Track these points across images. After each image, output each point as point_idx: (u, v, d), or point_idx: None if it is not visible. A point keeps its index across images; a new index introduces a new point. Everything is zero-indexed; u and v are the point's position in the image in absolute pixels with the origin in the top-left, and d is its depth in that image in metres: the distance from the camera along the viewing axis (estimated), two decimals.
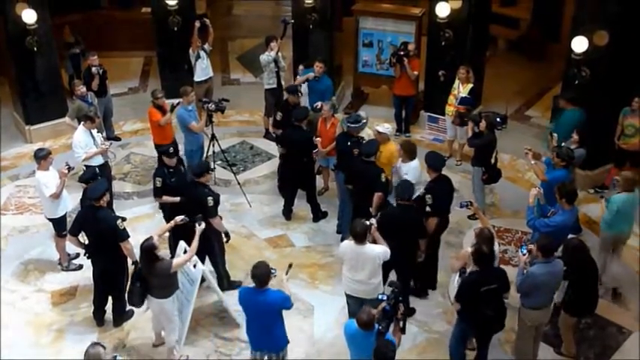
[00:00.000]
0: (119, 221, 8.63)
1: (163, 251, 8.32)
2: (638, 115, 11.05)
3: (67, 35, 14.16)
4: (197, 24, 13.13)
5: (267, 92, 12.93)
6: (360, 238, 7.96)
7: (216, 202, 9.16)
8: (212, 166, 11.35)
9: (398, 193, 8.79)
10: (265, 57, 12.77)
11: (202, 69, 13.24)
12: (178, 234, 9.01)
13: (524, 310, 8.07)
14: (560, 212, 8.76)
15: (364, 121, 10.40)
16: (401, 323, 7.25)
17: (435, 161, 9.22)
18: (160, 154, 10.00)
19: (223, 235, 9.40)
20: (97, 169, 10.25)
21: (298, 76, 12.57)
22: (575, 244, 8.19)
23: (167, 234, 9.25)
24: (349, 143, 10.13)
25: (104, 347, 6.80)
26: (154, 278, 8.03)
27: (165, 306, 8.22)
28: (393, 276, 8.69)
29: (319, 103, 11.57)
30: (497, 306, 7.71)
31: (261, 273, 7.39)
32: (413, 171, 9.65)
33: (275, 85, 12.89)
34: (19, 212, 11.46)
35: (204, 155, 11.52)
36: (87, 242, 8.92)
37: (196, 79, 13.31)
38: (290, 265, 7.86)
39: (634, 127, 11.10)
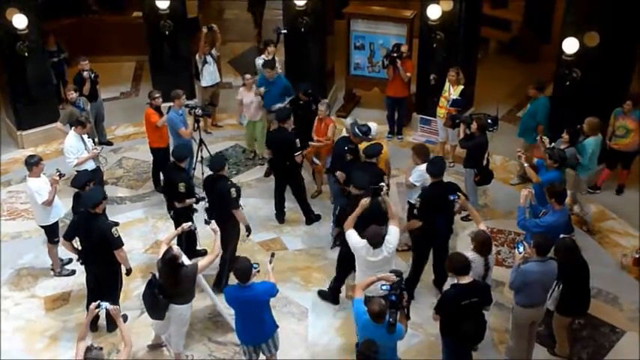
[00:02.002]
0: (114, 229, 8.59)
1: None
2: (629, 116, 11.11)
3: (51, 43, 14.08)
4: (204, 29, 13.23)
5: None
6: (377, 244, 7.92)
7: (239, 193, 9.22)
8: (202, 171, 11.41)
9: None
10: (261, 61, 12.84)
11: (209, 74, 13.40)
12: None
13: (517, 308, 8.10)
14: (550, 212, 8.81)
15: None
16: (405, 310, 7.25)
17: (434, 168, 9.27)
18: (170, 158, 9.97)
19: (245, 228, 9.52)
20: (90, 172, 10.25)
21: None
22: (567, 244, 8.21)
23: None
24: (346, 147, 10.15)
25: (101, 348, 6.79)
26: (179, 286, 7.96)
27: (185, 311, 8.22)
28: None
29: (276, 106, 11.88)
30: (477, 320, 7.65)
31: (244, 268, 7.44)
32: (418, 173, 9.72)
33: None
34: (12, 218, 11.42)
35: (194, 160, 11.48)
36: (80, 248, 8.90)
37: (203, 84, 13.49)
38: (273, 255, 7.96)
39: (625, 128, 11.18)
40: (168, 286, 7.92)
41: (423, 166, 9.64)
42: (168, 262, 7.86)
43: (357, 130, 10.27)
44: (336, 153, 10.41)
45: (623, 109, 11.13)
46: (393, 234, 8.10)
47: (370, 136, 10.35)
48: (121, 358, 7.02)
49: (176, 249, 8.01)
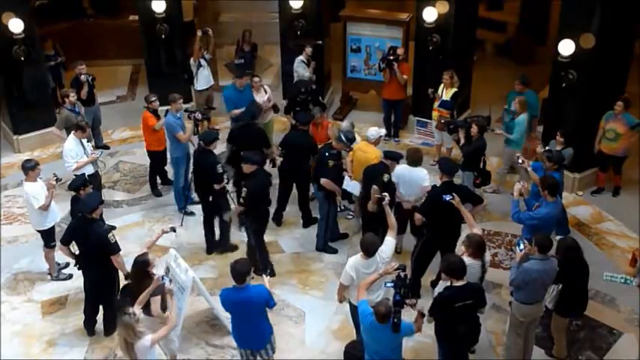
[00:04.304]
0: (110, 234, 8.58)
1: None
2: (620, 119, 11.10)
3: (48, 47, 14.09)
4: (199, 33, 13.26)
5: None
6: (372, 253, 7.86)
7: None
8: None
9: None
10: (301, 66, 13.07)
11: (204, 77, 13.43)
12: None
13: (516, 304, 8.10)
14: (544, 204, 8.91)
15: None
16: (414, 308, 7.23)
17: (444, 164, 9.37)
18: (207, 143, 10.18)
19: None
20: (86, 176, 10.24)
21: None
22: (568, 243, 8.23)
23: None
24: (327, 154, 10.15)
25: (135, 314, 6.90)
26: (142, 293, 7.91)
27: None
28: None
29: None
30: (470, 322, 7.66)
31: (241, 269, 7.43)
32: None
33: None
34: (8, 222, 11.39)
35: (191, 162, 11.43)
36: (77, 252, 8.88)
37: (198, 87, 13.51)
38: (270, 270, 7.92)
39: (615, 131, 11.16)
40: (134, 290, 7.89)
41: (398, 167, 9.67)
42: (139, 264, 7.89)
43: (342, 136, 10.26)
44: (319, 160, 10.34)
45: (615, 111, 11.12)
46: (389, 245, 8.06)
47: (371, 139, 10.37)
48: (161, 334, 7.15)
49: (152, 257, 8.03)
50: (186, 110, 11.44)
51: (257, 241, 9.84)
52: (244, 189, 9.37)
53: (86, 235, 8.58)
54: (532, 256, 7.86)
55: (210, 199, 10.17)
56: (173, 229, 8.67)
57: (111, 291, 8.85)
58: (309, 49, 13.01)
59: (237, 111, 11.92)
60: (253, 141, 10.60)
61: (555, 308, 8.37)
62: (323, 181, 10.05)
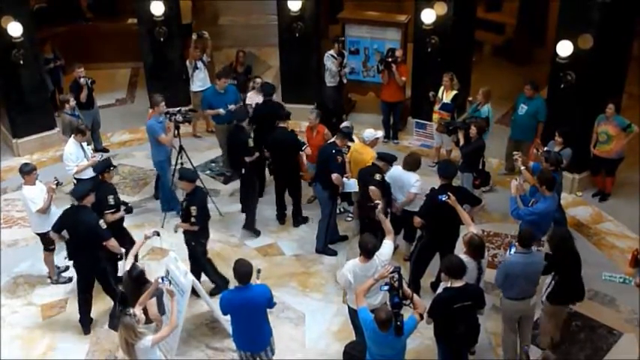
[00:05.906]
0: (101, 221, 8.63)
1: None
2: (611, 122, 11.11)
3: (47, 50, 14.11)
4: (194, 36, 13.30)
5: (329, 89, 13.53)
6: (371, 254, 7.83)
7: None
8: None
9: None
10: (330, 61, 13.34)
11: (200, 79, 13.47)
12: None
13: (506, 301, 8.15)
14: (542, 200, 8.97)
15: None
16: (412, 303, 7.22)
17: (441, 168, 9.35)
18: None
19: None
20: (110, 159, 10.39)
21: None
22: (561, 233, 8.29)
23: None
24: (334, 151, 10.15)
25: (135, 315, 6.98)
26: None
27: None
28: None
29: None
30: (470, 323, 7.67)
31: (244, 270, 7.44)
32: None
33: (336, 84, 13.62)
34: (8, 226, 11.39)
35: (174, 166, 11.36)
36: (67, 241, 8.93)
37: (194, 89, 13.55)
38: (259, 271, 7.82)
39: (607, 134, 11.15)
40: (132, 301, 7.88)
41: (393, 169, 9.69)
42: (136, 279, 7.92)
43: (346, 130, 10.37)
44: (322, 159, 10.34)
45: (606, 114, 11.11)
46: (387, 247, 8.04)
47: (366, 140, 10.38)
48: (162, 335, 7.20)
49: (142, 265, 8.09)
50: (167, 113, 11.32)
51: (204, 258, 9.64)
52: (193, 208, 9.13)
53: (75, 224, 8.64)
54: (516, 250, 7.91)
55: (243, 171, 10.75)
56: (157, 234, 8.64)
57: (108, 280, 8.96)
58: (339, 45, 13.30)
59: (211, 111, 12.15)
60: (274, 114, 11.05)
61: (553, 298, 8.28)
62: (334, 176, 10.02)
